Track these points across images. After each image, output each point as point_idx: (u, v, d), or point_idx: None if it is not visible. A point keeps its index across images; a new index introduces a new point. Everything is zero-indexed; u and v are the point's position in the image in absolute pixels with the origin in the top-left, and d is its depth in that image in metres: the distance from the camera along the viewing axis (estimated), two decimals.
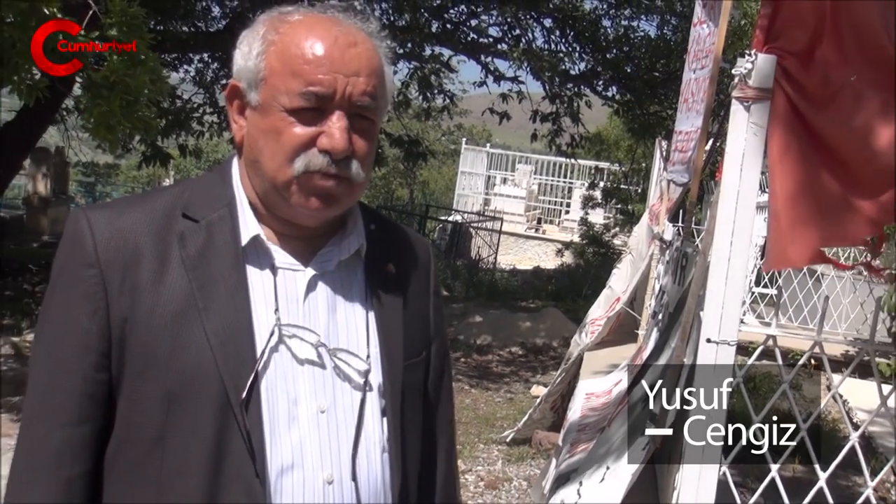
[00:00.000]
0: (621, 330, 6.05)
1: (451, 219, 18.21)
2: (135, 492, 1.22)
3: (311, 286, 1.30)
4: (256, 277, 1.27)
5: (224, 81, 11.54)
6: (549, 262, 16.35)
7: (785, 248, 2.30)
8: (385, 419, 1.31)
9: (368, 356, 1.31)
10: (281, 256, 1.30)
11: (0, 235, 11.96)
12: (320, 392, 1.27)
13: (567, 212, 20.52)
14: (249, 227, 1.28)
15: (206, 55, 11.38)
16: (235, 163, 1.34)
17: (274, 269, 1.28)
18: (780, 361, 2.60)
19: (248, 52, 1.28)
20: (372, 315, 1.34)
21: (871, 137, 2.30)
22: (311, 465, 1.24)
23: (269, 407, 1.22)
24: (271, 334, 1.24)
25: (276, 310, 1.26)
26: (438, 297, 1.51)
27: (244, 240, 1.27)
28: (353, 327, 1.32)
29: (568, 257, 15.85)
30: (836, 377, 2.68)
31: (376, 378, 1.31)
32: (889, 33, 2.35)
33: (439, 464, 1.49)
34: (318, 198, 1.25)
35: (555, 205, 21.41)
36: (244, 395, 1.19)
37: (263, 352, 1.23)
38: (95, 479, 1.24)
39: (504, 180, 21.35)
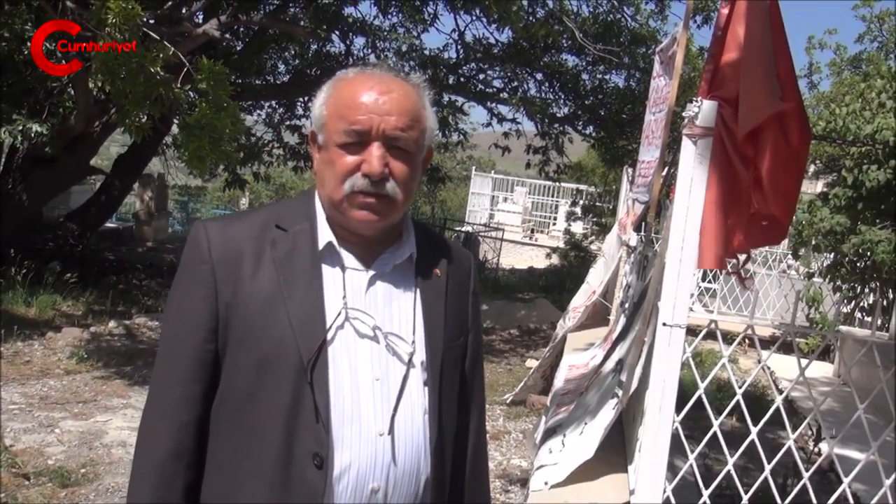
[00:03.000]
0: (596, 316, 6.00)
1: (463, 229, 18.16)
2: (234, 434, 1.25)
3: (371, 283, 1.31)
4: (329, 274, 1.29)
5: (288, 123, 11.63)
6: (540, 263, 16.24)
7: (710, 252, 2.28)
8: (426, 388, 1.31)
9: (413, 341, 1.31)
10: (349, 259, 1.31)
11: (115, 242, 12.06)
12: (376, 364, 1.27)
13: (554, 224, 20.37)
14: (325, 235, 1.30)
15: (274, 102, 11.46)
16: (317, 188, 1.37)
17: (343, 268, 1.30)
18: (720, 340, 2.59)
19: (316, 104, 1.32)
20: (419, 308, 1.34)
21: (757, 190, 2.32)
22: (367, 420, 1.24)
23: (334, 371, 1.23)
24: (338, 314, 1.26)
25: (344, 297, 1.27)
26: (477, 297, 1.50)
27: (321, 244, 1.29)
28: (403, 317, 1.32)
29: (555, 259, 15.77)
30: (765, 353, 2.66)
31: (419, 357, 1.31)
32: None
33: (471, 434, 1.46)
34: (364, 211, 1.26)
35: (545, 218, 21.28)
36: (313, 358, 1.21)
37: (331, 326, 1.24)
38: (202, 426, 1.27)
39: (505, 199, 21.28)
